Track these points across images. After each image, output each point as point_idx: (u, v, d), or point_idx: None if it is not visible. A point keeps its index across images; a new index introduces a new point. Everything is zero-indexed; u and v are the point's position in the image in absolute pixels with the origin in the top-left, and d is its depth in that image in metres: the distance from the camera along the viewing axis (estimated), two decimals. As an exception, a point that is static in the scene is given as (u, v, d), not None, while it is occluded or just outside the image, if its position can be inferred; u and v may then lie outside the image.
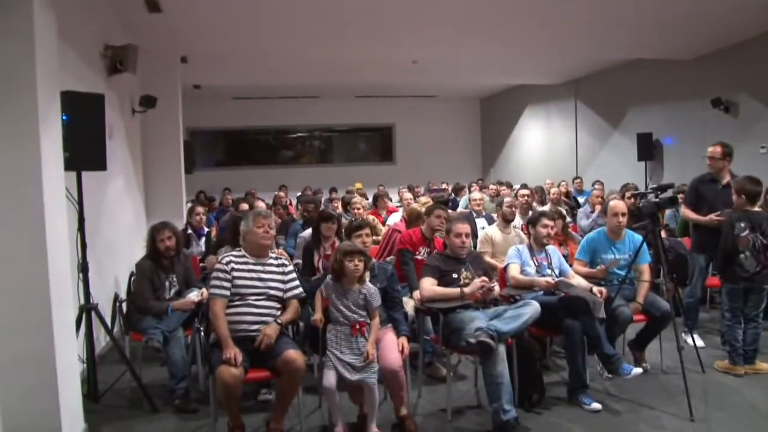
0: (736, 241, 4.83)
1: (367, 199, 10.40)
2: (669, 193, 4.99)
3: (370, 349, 3.90)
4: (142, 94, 7.91)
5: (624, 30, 8.62)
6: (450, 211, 6.94)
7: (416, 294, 4.76)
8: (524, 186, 9.54)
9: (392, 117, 18.17)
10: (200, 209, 7.21)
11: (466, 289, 4.45)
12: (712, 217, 5.35)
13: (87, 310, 4.46)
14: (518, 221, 6.81)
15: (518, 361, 4.35)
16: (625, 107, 12.37)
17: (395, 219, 7.90)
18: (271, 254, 4.21)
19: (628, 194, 7.32)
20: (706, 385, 4.79)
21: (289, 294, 4.13)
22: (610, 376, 4.67)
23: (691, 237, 6.02)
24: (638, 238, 5.12)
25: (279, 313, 4.05)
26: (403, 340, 4.12)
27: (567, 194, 10.75)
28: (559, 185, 10.76)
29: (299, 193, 13.56)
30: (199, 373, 4.90)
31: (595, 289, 4.70)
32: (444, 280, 4.58)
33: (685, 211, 5.80)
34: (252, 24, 7.65)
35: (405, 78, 13.40)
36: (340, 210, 8.74)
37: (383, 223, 8.12)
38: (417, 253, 5.41)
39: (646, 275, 5.05)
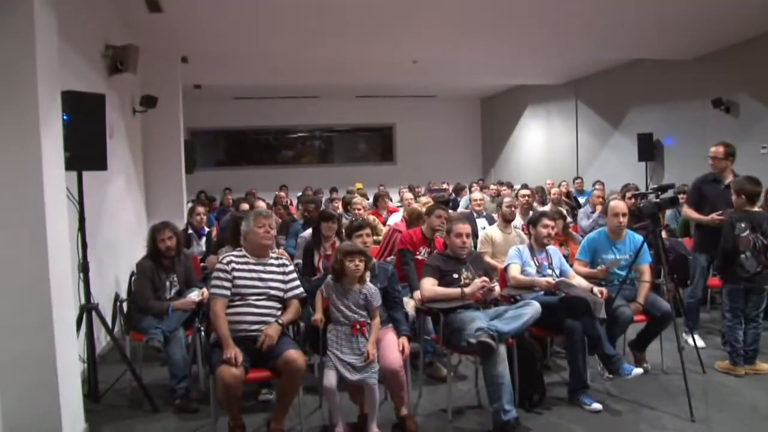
0: (736, 242, 4.83)
1: (368, 199, 10.40)
2: (670, 193, 4.99)
3: (370, 349, 3.90)
4: (142, 93, 7.91)
5: (624, 30, 8.62)
6: (450, 211, 6.94)
7: (417, 294, 4.76)
8: (525, 186, 9.54)
9: (393, 117, 18.17)
10: (201, 209, 7.21)
11: (467, 290, 4.44)
12: (714, 216, 5.35)
13: (88, 309, 4.46)
14: (519, 221, 6.81)
15: (519, 361, 4.34)
16: (626, 107, 12.37)
17: (396, 219, 7.90)
18: (271, 254, 4.21)
19: (628, 194, 7.32)
20: (707, 385, 4.79)
21: (290, 294, 4.13)
22: (610, 376, 4.66)
23: (693, 237, 6.02)
24: (639, 238, 5.12)
25: (279, 313, 4.05)
26: (404, 340, 4.12)
27: (567, 194, 10.75)
28: (559, 185, 10.76)
29: (300, 193, 13.57)
30: (200, 373, 4.90)
31: (596, 289, 4.70)
32: (444, 280, 4.58)
33: (687, 211, 5.80)
34: (252, 24, 7.65)
35: (405, 78, 13.40)
36: (340, 210, 8.74)
37: (384, 223, 8.11)
38: (417, 253, 5.41)
39: (647, 275, 5.05)
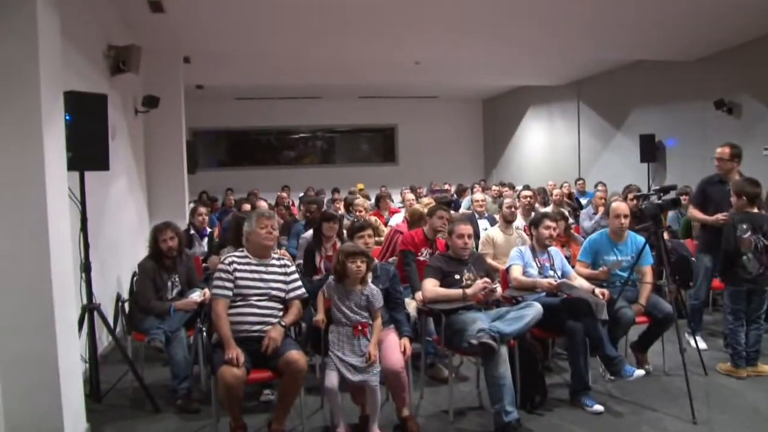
0: (738, 243, 4.82)
1: (370, 199, 10.41)
2: (672, 194, 4.98)
3: (372, 350, 3.90)
4: (144, 94, 7.92)
5: (626, 31, 8.61)
6: (452, 212, 6.93)
7: (418, 295, 4.76)
8: (527, 187, 9.53)
9: (394, 118, 18.16)
10: (203, 210, 7.23)
11: (469, 291, 4.44)
12: (719, 216, 5.33)
13: (89, 309, 4.47)
14: (520, 222, 6.81)
15: (520, 362, 4.34)
16: (628, 108, 12.36)
17: (397, 220, 7.89)
18: (273, 255, 4.21)
19: (630, 196, 7.31)
20: (709, 387, 4.78)
21: (292, 294, 4.13)
22: (612, 377, 4.66)
23: (698, 238, 6.01)
24: (641, 239, 5.12)
25: (281, 313, 4.05)
26: (405, 341, 4.11)
27: (569, 195, 10.75)
28: (561, 186, 10.76)
29: (302, 194, 13.57)
30: (201, 374, 4.90)
31: (598, 290, 4.70)
32: (446, 281, 4.58)
33: (692, 212, 5.79)
34: (255, 24, 7.65)
35: (407, 79, 13.40)
36: (342, 211, 8.74)
37: (385, 224, 8.11)
38: (419, 254, 5.40)
39: (649, 277, 5.04)
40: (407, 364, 4.08)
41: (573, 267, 5.20)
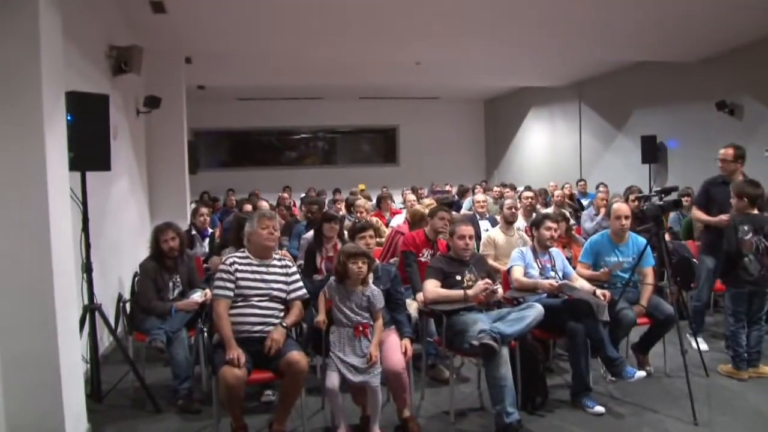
0: (740, 245, 4.82)
1: (371, 200, 10.41)
2: (673, 196, 4.98)
3: (373, 350, 3.90)
4: (146, 94, 7.93)
5: (628, 32, 8.61)
6: (453, 213, 6.93)
7: (419, 296, 4.76)
8: (528, 188, 9.52)
9: (396, 118, 18.17)
10: (204, 210, 7.24)
11: (470, 292, 4.44)
12: (722, 217, 5.32)
13: (91, 310, 4.47)
14: (522, 223, 6.80)
15: (521, 363, 4.34)
16: (629, 110, 12.35)
17: (398, 221, 7.90)
18: (274, 255, 4.21)
19: (632, 197, 7.31)
20: (710, 388, 4.77)
21: (293, 295, 4.13)
22: (613, 379, 4.66)
23: (701, 239, 6.00)
24: (642, 241, 5.11)
25: (282, 314, 4.05)
26: (406, 342, 4.11)
27: (571, 196, 10.75)
28: (562, 187, 10.77)
29: (303, 194, 13.57)
30: (203, 374, 4.90)
31: (599, 291, 4.69)
32: (447, 282, 4.58)
33: (696, 213, 5.78)
34: (256, 25, 7.66)
35: (409, 79, 13.40)
36: (343, 211, 8.74)
37: (386, 225, 8.11)
38: (420, 255, 5.40)
39: (650, 278, 5.04)
40: (408, 365, 4.08)
41: (574, 268, 5.20)
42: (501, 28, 8.26)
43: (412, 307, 4.82)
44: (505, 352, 4.05)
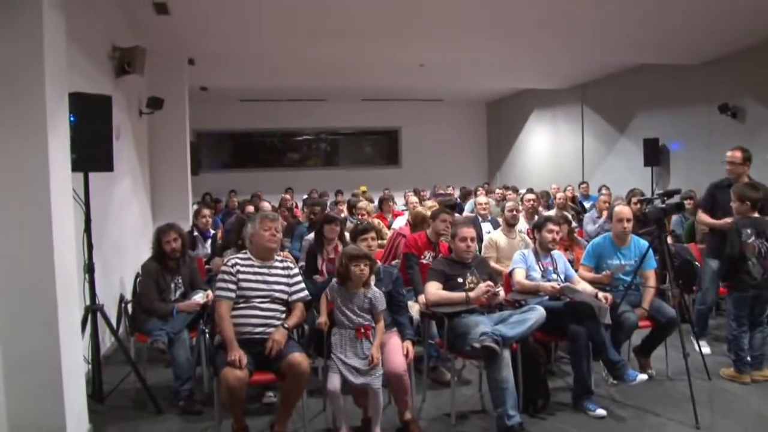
0: (743, 248, 4.81)
1: (373, 202, 10.41)
2: (675, 198, 4.98)
3: (374, 352, 3.89)
4: (149, 95, 7.95)
5: (630, 35, 8.60)
6: (455, 215, 6.93)
7: (421, 298, 4.76)
8: (530, 190, 9.54)
9: (398, 120, 18.16)
10: (206, 211, 7.24)
11: (471, 294, 4.43)
12: (727, 220, 5.31)
13: (93, 310, 4.48)
14: (524, 226, 6.80)
15: (523, 366, 4.33)
16: (632, 112, 12.34)
17: (400, 223, 7.89)
18: (276, 257, 4.21)
19: (634, 200, 7.30)
20: (712, 392, 4.76)
21: (295, 297, 4.13)
22: (615, 382, 4.64)
23: (705, 242, 5.99)
24: (644, 243, 5.10)
25: (284, 316, 4.05)
26: (408, 344, 4.12)
27: (573, 199, 10.73)
28: (565, 190, 10.75)
29: (305, 196, 13.57)
30: (204, 375, 4.91)
31: (601, 294, 4.68)
32: (449, 284, 4.58)
33: (701, 216, 5.77)
34: (259, 26, 7.66)
35: (411, 81, 13.39)
36: (345, 213, 8.75)
37: (388, 227, 8.11)
38: (422, 257, 5.40)
39: (652, 281, 5.04)
40: (410, 367, 4.08)
41: (576, 271, 5.19)
42: (504, 30, 8.26)
43: (414, 309, 4.82)
44: (506, 354, 4.05)
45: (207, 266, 6.24)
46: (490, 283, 4.47)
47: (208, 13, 7.11)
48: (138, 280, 5.34)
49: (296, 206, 12.07)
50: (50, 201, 3.49)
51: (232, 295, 3.96)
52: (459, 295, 4.46)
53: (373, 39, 8.68)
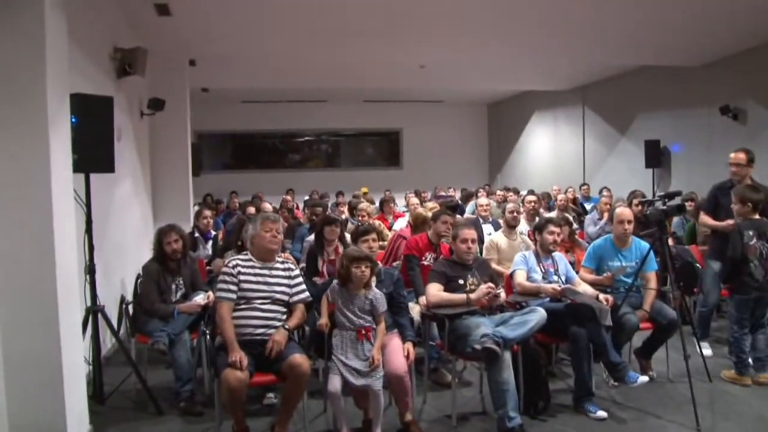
0: (745, 250, 4.81)
1: (374, 203, 10.41)
2: (676, 200, 4.97)
3: (375, 354, 3.89)
4: (150, 96, 7.95)
5: (631, 36, 8.60)
6: (456, 216, 6.92)
7: (422, 300, 4.76)
8: (531, 192, 9.51)
9: (399, 122, 18.18)
10: (207, 213, 7.23)
11: (472, 295, 4.43)
12: (729, 222, 5.30)
13: (93, 311, 4.48)
14: (524, 227, 6.80)
15: (524, 367, 4.33)
16: (633, 114, 12.34)
17: (401, 224, 7.89)
18: (277, 258, 4.21)
19: (635, 201, 7.30)
20: (713, 394, 4.76)
21: (296, 298, 4.13)
22: (616, 384, 4.64)
23: (708, 244, 5.99)
24: (645, 245, 5.10)
25: (285, 317, 4.05)
26: (409, 345, 4.11)
27: (574, 201, 10.73)
28: (566, 192, 10.74)
29: (306, 197, 13.57)
30: (205, 376, 4.89)
31: (602, 296, 4.68)
32: (450, 286, 4.57)
33: (703, 218, 5.76)
34: (260, 27, 7.67)
35: (412, 83, 13.40)
36: (346, 214, 8.74)
37: (389, 228, 8.11)
38: (423, 258, 5.40)
39: (653, 283, 5.03)
40: (410, 369, 4.08)
41: (577, 272, 5.19)
42: (505, 31, 8.27)
43: (415, 310, 4.81)
44: (507, 356, 4.05)
45: (208, 267, 6.23)
46: (491, 284, 4.46)
47: (210, 15, 7.11)
48: (139, 281, 5.34)
49: (297, 207, 12.08)
50: (51, 202, 3.49)
51: (233, 296, 3.96)
52: (460, 296, 4.46)
53: (374, 39, 8.67)
